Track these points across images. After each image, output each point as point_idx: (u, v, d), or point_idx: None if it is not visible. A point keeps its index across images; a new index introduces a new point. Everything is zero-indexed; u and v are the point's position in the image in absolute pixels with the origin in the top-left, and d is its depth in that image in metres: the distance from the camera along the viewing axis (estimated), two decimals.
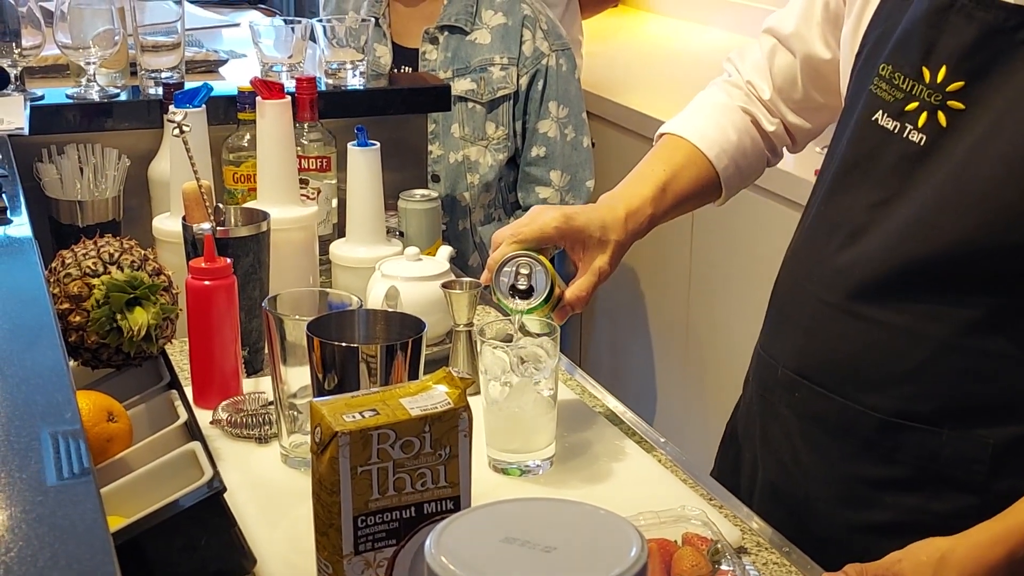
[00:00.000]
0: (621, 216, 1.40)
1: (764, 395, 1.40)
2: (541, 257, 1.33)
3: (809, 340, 1.32)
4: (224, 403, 1.43)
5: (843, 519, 1.31)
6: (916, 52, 1.22)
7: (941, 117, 1.20)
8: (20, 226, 1.35)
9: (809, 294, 1.32)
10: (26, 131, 1.75)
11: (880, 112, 1.25)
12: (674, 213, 1.47)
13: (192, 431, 1.19)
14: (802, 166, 2.48)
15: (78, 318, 1.28)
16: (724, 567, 1.11)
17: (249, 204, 1.73)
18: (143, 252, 1.35)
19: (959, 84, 1.19)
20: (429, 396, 0.98)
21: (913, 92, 1.22)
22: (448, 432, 0.97)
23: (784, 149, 1.55)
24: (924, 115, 1.21)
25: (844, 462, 1.30)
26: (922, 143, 1.21)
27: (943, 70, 1.19)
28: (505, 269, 1.32)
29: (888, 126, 1.24)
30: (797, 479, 1.35)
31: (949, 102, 1.19)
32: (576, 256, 1.40)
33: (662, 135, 1.52)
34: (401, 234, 1.91)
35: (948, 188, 1.19)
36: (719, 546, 1.13)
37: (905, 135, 1.22)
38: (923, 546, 1.16)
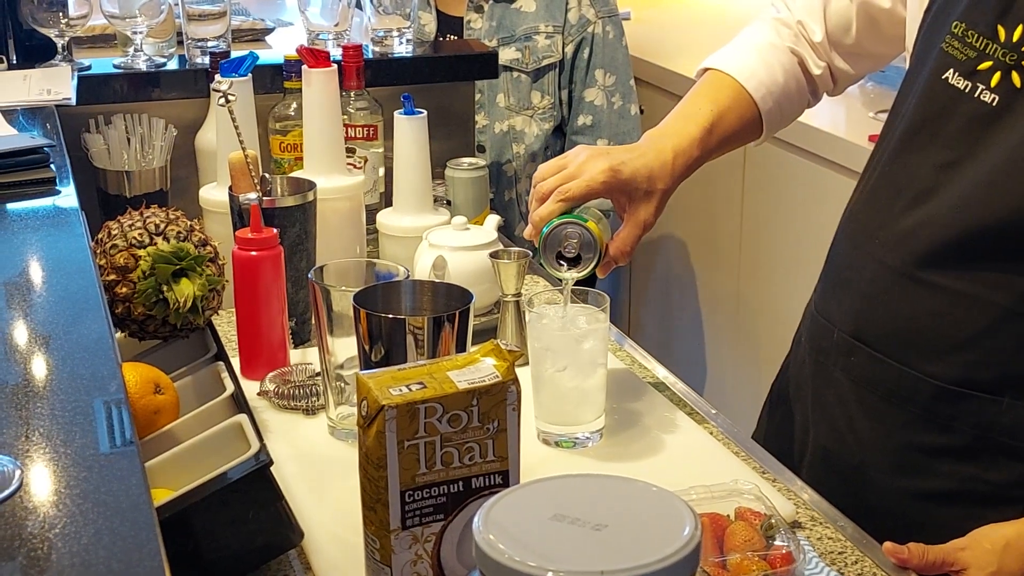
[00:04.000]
0: (669, 159, 1.37)
1: (818, 358, 1.38)
2: (589, 223, 1.31)
3: (868, 304, 1.30)
4: (271, 374, 1.42)
5: (898, 487, 1.29)
6: (992, 10, 1.18)
7: (1015, 77, 1.17)
8: (67, 196, 1.35)
9: (870, 257, 1.29)
10: (73, 101, 1.75)
11: (951, 71, 1.22)
12: (716, 154, 1.44)
13: (239, 403, 1.18)
14: (855, 132, 2.44)
15: (124, 290, 1.28)
16: (778, 542, 1.09)
17: (296, 174, 1.71)
18: (189, 223, 1.34)
19: None
20: (477, 369, 0.96)
21: (987, 51, 1.19)
22: (496, 406, 0.95)
23: (824, 93, 1.52)
24: (997, 75, 1.18)
25: (900, 429, 1.28)
26: (994, 104, 1.18)
27: (1020, 29, 1.16)
28: (552, 235, 1.31)
29: (959, 85, 1.21)
30: (851, 445, 1.33)
31: None
32: (620, 207, 1.38)
33: (706, 69, 1.49)
34: (448, 203, 1.89)
35: (1019, 152, 1.16)
36: (773, 521, 1.11)
37: (977, 95, 1.19)
38: (987, 533, 1.14)
